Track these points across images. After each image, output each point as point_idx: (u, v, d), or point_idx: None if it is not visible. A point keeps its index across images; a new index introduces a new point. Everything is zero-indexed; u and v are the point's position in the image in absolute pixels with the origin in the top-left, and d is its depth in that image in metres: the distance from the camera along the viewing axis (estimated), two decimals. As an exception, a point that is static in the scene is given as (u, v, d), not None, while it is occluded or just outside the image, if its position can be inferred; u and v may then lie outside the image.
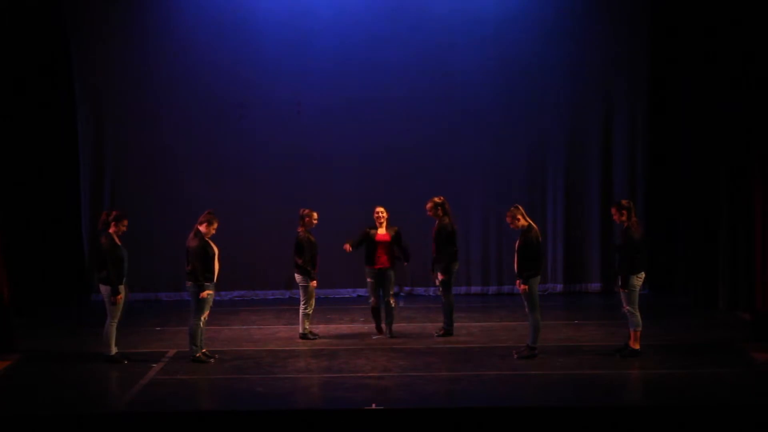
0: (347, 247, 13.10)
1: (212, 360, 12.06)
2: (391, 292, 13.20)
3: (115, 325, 11.96)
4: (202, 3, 16.37)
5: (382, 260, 13.09)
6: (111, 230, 11.97)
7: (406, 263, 13.49)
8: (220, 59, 16.33)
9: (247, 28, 16.33)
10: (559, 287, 16.58)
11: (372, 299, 13.24)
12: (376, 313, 13.29)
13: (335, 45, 16.34)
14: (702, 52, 14.84)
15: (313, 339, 13.13)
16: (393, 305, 13.26)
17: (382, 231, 13.15)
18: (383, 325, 13.26)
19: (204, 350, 12.09)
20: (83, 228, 16.46)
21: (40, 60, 15.75)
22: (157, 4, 16.39)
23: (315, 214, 13.17)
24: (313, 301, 13.17)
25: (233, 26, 16.32)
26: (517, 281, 11.97)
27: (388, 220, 13.18)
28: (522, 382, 11.06)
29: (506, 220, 12.09)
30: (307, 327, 13.20)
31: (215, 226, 11.99)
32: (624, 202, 12.07)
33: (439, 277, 13.12)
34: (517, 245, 11.98)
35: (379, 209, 13.21)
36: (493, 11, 16.28)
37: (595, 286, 16.56)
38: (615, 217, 11.98)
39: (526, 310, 11.93)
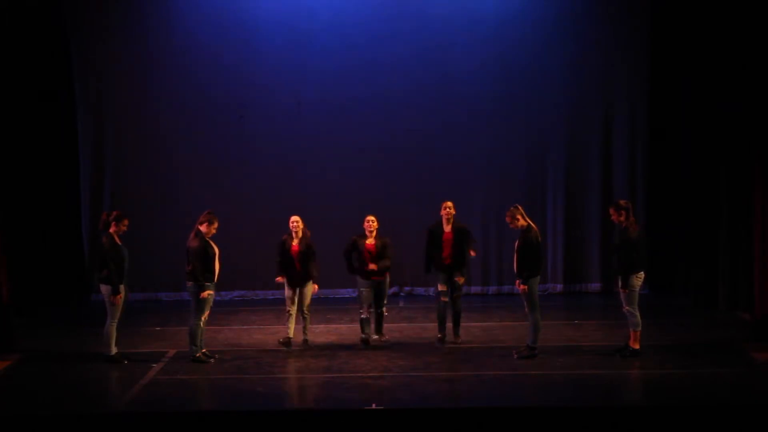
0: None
1: (212, 360, 12.06)
2: (385, 302, 12.81)
3: (115, 325, 11.96)
4: (202, 3, 16.37)
5: (374, 270, 12.59)
6: (111, 230, 11.97)
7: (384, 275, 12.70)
8: (220, 59, 16.33)
9: (248, 28, 16.34)
10: (559, 287, 16.58)
11: (363, 310, 12.72)
12: (365, 323, 12.75)
13: (335, 45, 16.34)
14: (702, 52, 14.84)
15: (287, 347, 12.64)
16: (385, 314, 12.90)
17: (370, 241, 12.68)
18: (372, 334, 12.80)
19: (204, 350, 12.09)
20: (83, 228, 16.46)
21: (40, 60, 15.73)
22: (157, 4, 16.39)
23: (292, 218, 12.78)
24: (287, 303, 12.68)
25: (233, 26, 16.32)
26: (517, 281, 11.96)
27: (378, 229, 12.74)
28: (522, 382, 11.06)
29: (506, 220, 12.08)
30: (290, 332, 12.71)
31: (215, 225, 11.99)
32: (622, 202, 12.07)
33: (460, 281, 12.78)
34: (516, 245, 11.98)
35: (370, 218, 12.76)
36: (493, 11, 16.29)
37: (595, 286, 16.56)
38: (613, 218, 11.97)
39: (526, 310, 11.93)
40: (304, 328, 12.77)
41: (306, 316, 12.76)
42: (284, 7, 16.34)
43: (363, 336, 12.78)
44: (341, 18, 16.33)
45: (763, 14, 13.11)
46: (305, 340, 12.76)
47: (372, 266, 12.61)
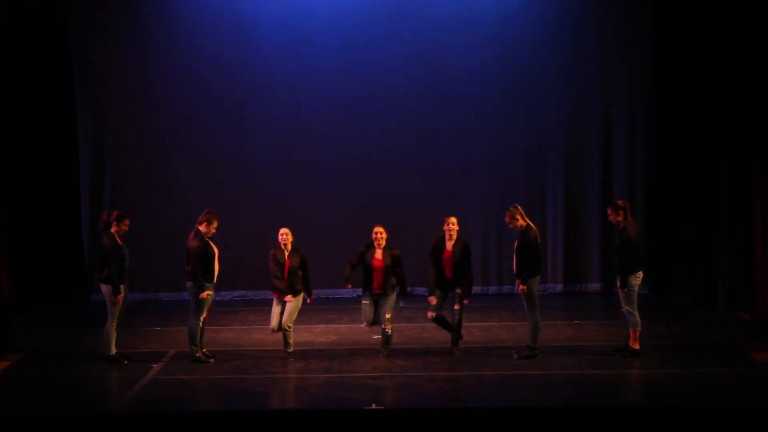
0: (347, 271, 12.03)
1: (212, 360, 12.05)
2: (388, 317, 12.01)
3: (115, 325, 11.95)
4: (202, 3, 16.38)
5: (379, 285, 12.02)
6: (112, 230, 11.96)
7: (405, 289, 12.19)
8: (220, 59, 16.33)
9: (247, 28, 16.34)
10: (559, 287, 16.58)
11: (364, 324, 12.17)
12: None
13: (335, 45, 16.34)
14: (702, 52, 14.84)
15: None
16: (389, 332, 12.10)
17: (378, 255, 12.04)
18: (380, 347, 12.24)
19: (204, 350, 12.08)
20: (83, 228, 16.46)
21: (39, 60, 15.74)
22: (158, 4, 16.40)
23: (281, 230, 12.12)
24: (271, 320, 12.11)
25: (233, 26, 16.33)
26: (517, 281, 11.96)
27: (387, 239, 12.13)
28: (522, 382, 11.06)
29: (505, 220, 12.06)
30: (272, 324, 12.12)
31: (215, 225, 11.97)
32: (620, 202, 12.07)
33: (459, 292, 12.12)
34: (516, 245, 11.96)
35: (378, 229, 12.07)
36: (493, 11, 16.29)
37: (595, 286, 16.56)
38: (611, 218, 11.97)
39: (526, 310, 11.93)
40: (287, 343, 12.12)
41: (287, 330, 12.03)
42: (284, 6, 16.34)
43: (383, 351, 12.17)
44: (341, 18, 16.33)
45: (763, 14, 13.11)
46: (290, 353, 12.14)
47: (380, 283, 12.00)
